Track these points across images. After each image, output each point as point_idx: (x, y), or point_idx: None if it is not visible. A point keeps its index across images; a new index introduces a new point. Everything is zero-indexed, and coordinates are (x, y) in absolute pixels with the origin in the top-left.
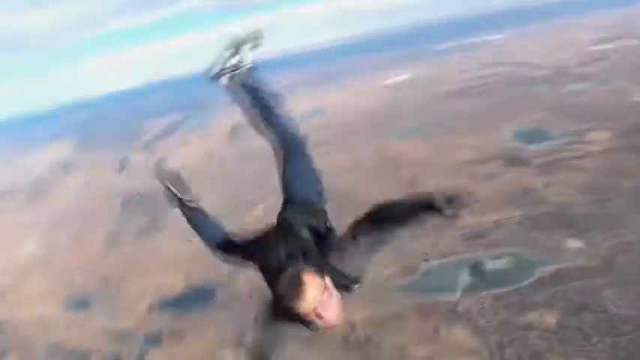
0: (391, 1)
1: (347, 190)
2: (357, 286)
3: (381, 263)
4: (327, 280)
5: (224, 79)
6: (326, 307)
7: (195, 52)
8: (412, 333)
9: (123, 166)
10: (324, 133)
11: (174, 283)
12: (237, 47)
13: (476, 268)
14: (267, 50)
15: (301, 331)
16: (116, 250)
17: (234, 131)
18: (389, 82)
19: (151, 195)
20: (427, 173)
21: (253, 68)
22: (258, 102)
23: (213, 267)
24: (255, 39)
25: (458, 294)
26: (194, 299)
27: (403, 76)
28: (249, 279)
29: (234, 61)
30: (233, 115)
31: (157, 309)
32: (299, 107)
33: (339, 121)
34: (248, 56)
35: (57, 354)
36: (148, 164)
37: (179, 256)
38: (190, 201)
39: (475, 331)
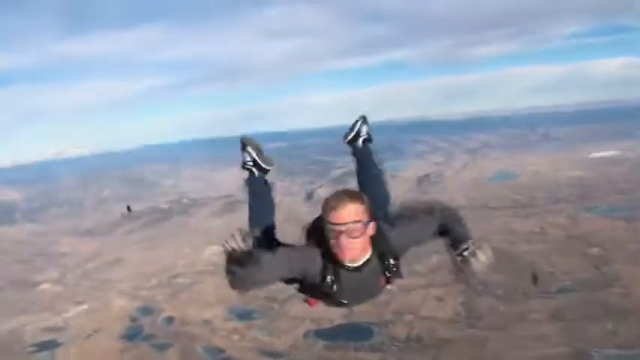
0: (626, 73)
1: (530, 257)
2: (392, 261)
3: (552, 341)
4: (372, 227)
5: (356, 143)
6: (350, 241)
7: (401, 100)
8: None
9: (310, 195)
10: (514, 196)
11: (334, 315)
12: (364, 119)
13: None
14: (472, 109)
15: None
16: None
17: (421, 181)
18: (594, 155)
19: None
20: (619, 257)
21: (368, 139)
22: (361, 167)
23: (377, 307)
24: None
25: None
26: (350, 334)
27: (610, 152)
28: (408, 324)
29: (362, 130)
30: (423, 165)
31: (313, 336)
32: (490, 167)
33: (533, 186)
34: (364, 128)
35: (214, 356)
36: None
37: None
38: (267, 172)
39: None
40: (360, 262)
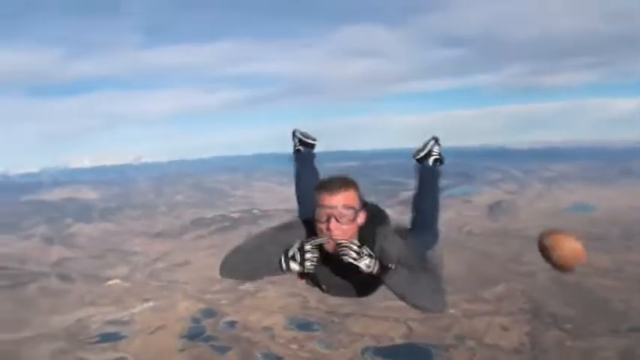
0: None
1: (602, 294)
2: (374, 262)
3: None
4: (362, 217)
5: (426, 162)
6: (338, 225)
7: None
8: None
9: None
10: (590, 229)
11: (394, 334)
12: (436, 140)
13: None
14: (549, 139)
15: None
16: None
17: (492, 208)
18: None
19: None
20: None
21: (440, 160)
22: (422, 187)
23: (438, 330)
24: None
25: None
26: (409, 355)
27: None
28: (470, 350)
29: (434, 149)
30: (496, 193)
31: (371, 353)
32: (566, 199)
33: (609, 220)
34: (436, 148)
35: None
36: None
37: (405, 311)
38: (314, 146)
39: None
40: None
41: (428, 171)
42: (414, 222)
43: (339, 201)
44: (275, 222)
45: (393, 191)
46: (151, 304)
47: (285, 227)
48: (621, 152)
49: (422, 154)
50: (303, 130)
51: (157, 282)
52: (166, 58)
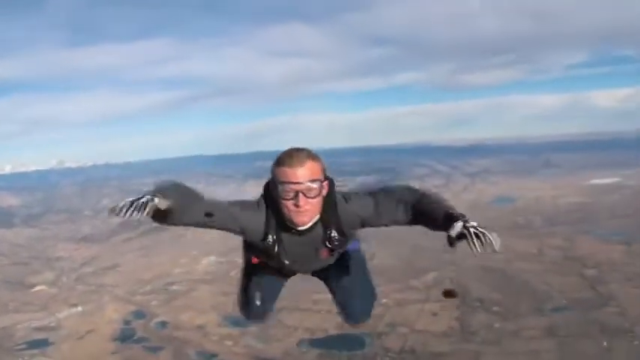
0: (627, 105)
1: (526, 278)
2: (335, 233)
3: (546, 357)
4: (326, 187)
5: None
6: (307, 200)
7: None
8: None
9: None
10: (513, 219)
11: (327, 325)
12: None
13: None
14: (473, 135)
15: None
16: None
17: None
18: (594, 182)
19: None
20: (616, 278)
21: None
22: None
23: (371, 319)
24: None
25: None
26: (343, 344)
27: (610, 180)
28: (402, 336)
29: None
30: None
31: (307, 344)
32: (490, 192)
33: (532, 210)
34: None
35: (205, 359)
36: None
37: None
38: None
39: None
40: (306, 227)
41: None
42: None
43: (305, 176)
44: None
45: None
46: (79, 308)
47: (247, 206)
48: (543, 146)
49: None
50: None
51: (85, 286)
52: (90, 58)
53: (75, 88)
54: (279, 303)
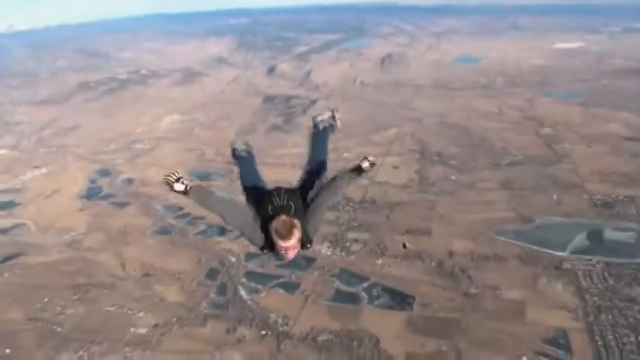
0: None
1: (485, 135)
2: (310, 246)
3: (499, 207)
4: (299, 235)
5: (319, 126)
6: (292, 251)
7: None
8: (509, 275)
9: (272, 69)
10: (476, 79)
11: (291, 179)
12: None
13: (595, 234)
14: None
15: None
16: (247, 138)
17: (384, 60)
18: (558, 46)
19: (290, 99)
20: (571, 137)
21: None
22: (314, 146)
23: (331, 172)
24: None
25: (567, 252)
26: None
27: (575, 44)
28: (362, 188)
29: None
30: (388, 46)
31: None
32: (454, 51)
33: (495, 71)
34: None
35: (171, 211)
36: (297, 72)
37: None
38: (249, 150)
39: (575, 290)
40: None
41: (321, 133)
42: (311, 166)
43: (291, 243)
44: (165, 81)
45: (286, 46)
46: (43, 170)
47: (252, 221)
48: (510, 8)
49: (321, 123)
50: (241, 145)
51: (47, 148)
52: None
53: None
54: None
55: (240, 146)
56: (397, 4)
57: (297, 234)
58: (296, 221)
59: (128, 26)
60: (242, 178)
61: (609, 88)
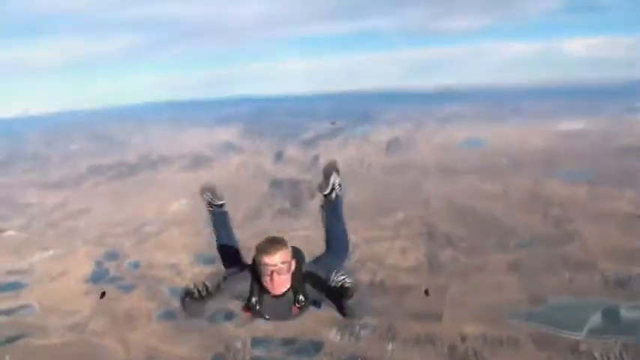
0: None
1: (492, 216)
2: (302, 297)
3: (510, 288)
4: (287, 256)
5: (330, 196)
6: (280, 277)
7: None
8: (523, 359)
9: (279, 155)
10: (481, 161)
11: None
12: (337, 171)
13: (610, 313)
14: (445, 82)
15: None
16: (254, 223)
17: (390, 144)
18: (561, 128)
19: (297, 184)
20: (579, 216)
21: (340, 194)
22: (330, 218)
23: None
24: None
25: (584, 333)
26: None
27: (577, 125)
28: (371, 271)
29: (336, 182)
30: (393, 131)
31: None
32: (459, 135)
33: (499, 153)
34: (337, 180)
35: (177, 295)
36: (304, 157)
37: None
38: (222, 206)
39: None
40: (281, 292)
41: (333, 205)
42: (328, 243)
43: (277, 260)
44: (174, 167)
45: (294, 133)
46: (50, 252)
47: (237, 278)
48: (513, 93)
49: (328, 190)
50: (211, 189)
51: (56, 231)
52: (53, 1)
53: (36, 34)
54: (250, 244)
55: (210, 196)
56: (401, 90)
57: (284, 252)
58: (286, 241)
59: (138, 113)
60: (219, 243)
61: (613, 166)
